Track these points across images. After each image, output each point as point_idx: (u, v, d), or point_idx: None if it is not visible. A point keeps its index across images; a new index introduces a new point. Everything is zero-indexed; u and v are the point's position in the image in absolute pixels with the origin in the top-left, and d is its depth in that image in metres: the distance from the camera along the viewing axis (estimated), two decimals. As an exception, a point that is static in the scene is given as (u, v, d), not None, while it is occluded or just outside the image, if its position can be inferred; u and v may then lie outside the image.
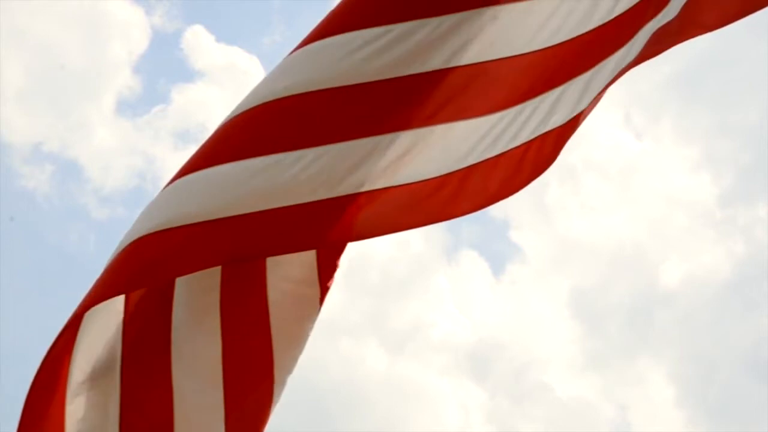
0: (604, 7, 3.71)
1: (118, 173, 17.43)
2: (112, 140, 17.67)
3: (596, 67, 3.76)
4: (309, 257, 3.74)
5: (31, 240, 16.46)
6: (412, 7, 3.52)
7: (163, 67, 18.47)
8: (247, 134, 3.52)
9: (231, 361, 3.69)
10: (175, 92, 19.55)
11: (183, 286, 3.69)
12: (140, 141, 17.50)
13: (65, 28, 17.85)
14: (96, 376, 3.63)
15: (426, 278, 17.31)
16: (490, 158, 3.65)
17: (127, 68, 17.63)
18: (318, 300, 3.74)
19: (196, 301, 3.70)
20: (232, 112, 3.57)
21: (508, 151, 3.67)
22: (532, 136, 3.70)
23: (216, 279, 3.69)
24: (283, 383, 3.73)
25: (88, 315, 3.54)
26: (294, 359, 3.74)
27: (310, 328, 3.75)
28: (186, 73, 20.14)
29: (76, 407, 3.58)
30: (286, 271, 3.73)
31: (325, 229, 3.52)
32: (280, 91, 3.51)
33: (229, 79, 17.72)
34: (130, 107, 19.43)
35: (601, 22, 3.71)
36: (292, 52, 3.57)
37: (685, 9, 3.96)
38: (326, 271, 3.74)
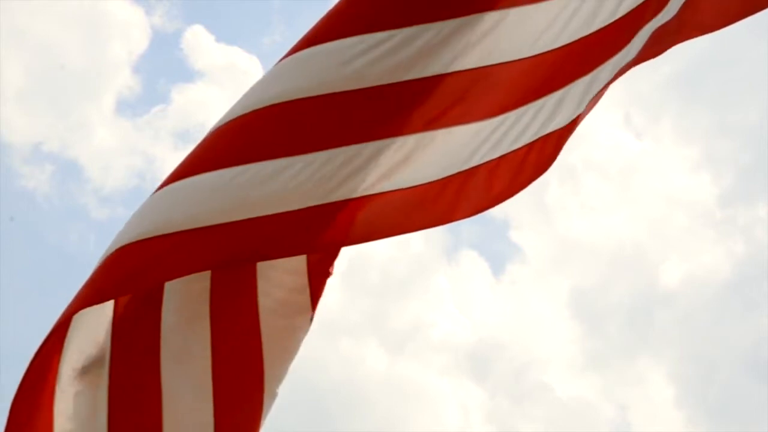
0: (607, 9, 3.71)
1: (118, 173, 17.46)
2: (112, 140, 17.70)
3: (598, 69, 3.76)
4: (300, 265, 3.71)
5: (31, 240, 16.49)
6: (415, 12, 3.50)
7: (163, 67, 18.50)
8: (240, 141, 3.48)
9: (221, 375, 3.66)
10: (175, 92, 19.60)
11: (172, 291, 3.65)
12: (140, 141, 17.52)
13: (65, 28, 17.87)
14: (85, 379, 3.62)
15: (426, 278, 17.33)
16: (491, 160, 3.65)
17: (127, 68, 17.66)
18: (309, 309, 3.71)
19: (186, 308, 3.67)
20: (221, 119, 3.53)
21: (510, 152, 3.67)
22: (534, 138, 3.70)
23: (206, 284, 3.66)
24: (273, 395, 3.69)
25: (77, 317, 3.53)
26: (284, 370, 3.71)
27: (302, 339, 3.71)
28: (186, 73, 20.19)
29: (64, 408, 3.58)
30: (277, 279, 3.70)
31: (318, 233, 3.49)
32: (274, 97, 3.47)
33: (229, 79, 17.73)
34: (130, 107, 19.46)
35: (603, 24, 3.71)
36: (282, 59, 3.53)
37: (684, 10, 3.95)
38: (317, 279, 3.70)
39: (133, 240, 3.43)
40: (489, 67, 3.58)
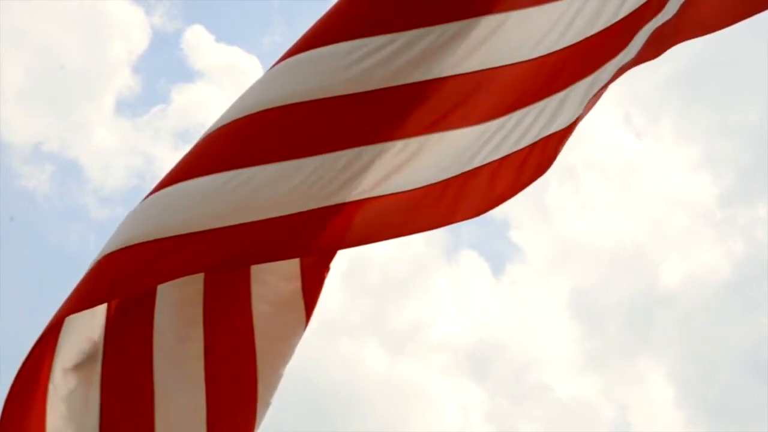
0: (610, 10, 3.71)
1: (117, 173, 17.45)
2: (112, 140, 17.69)
3: (599, 70, 3.76)
4: (295, 269, 3.69)
5: (31, 240, 16.48)
6: (417, 15, 3.49)
7: (163, 67, 18.49)
8: (234, 145, 3.46)
9: (214, 376, 3.66)
10: (175, 92, 19.56)
11: (165, 293, 3.65)
12: (140, 141, 17.51)
13: (65, 28, 17.86)
14: (78, 377, 3.62)
15: (426, 278, 17.32)
16: (493, 161, 3.65)
17: (127, 68, 17.65)
18: (304, 314, 3.71)
19: (179, 311, 3.67)
20: (215, 123, 3.51)
21: (511, 153, 3.67)
22: (536, 139, 3.70)
23: (199, 287, 3.66)
24: (266, 404, 3.70)
25: (69, 319, 3.53)
26: (278, 377, 3.71)
27: (296, 344, 3.71)
28: (186, 73, 20.16)
29: (57, 408, 3.58)
30: (272, 283, 3.70)
31: (314, 236, 3.47)
32: (272, 101, 3.45)
33: (229, 79, 17.71)
34: (129, 107, 19.44)
35: (605, 26, 3.71)
36: (279, 61, 3.50)
37: (685, 10, 3.95)
38: (312, 283, 3.70)
39: (125, 245, 3.41)
40: (491, 70, 3.58)
